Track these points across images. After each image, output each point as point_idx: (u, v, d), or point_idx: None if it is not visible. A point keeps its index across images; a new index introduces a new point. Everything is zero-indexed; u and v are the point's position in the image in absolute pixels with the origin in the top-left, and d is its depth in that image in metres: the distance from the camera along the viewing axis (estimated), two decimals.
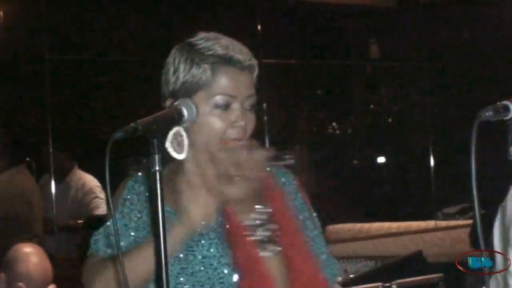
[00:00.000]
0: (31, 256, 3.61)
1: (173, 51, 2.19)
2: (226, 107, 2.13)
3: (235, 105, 2.14)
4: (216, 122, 2.12)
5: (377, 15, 10.37)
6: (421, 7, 10.14)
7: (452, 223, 7.93)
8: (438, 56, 10.25)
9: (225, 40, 2.17)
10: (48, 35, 8.21)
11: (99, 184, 6.69)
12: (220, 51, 2.13)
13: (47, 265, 3.64)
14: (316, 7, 9.62)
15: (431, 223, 8.08)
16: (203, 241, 2.11)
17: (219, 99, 2.13)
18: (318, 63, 10.36)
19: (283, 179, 2.25)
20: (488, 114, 1.43)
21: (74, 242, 6.43)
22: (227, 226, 2.09)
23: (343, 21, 10.22)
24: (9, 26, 8.77)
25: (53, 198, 6.69)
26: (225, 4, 8.92)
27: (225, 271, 2.08)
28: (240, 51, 2.15)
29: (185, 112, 2.00)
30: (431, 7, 10.16)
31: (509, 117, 1.43)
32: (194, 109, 2.03)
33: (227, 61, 2.13)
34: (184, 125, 2.02)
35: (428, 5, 10.16)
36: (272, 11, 9.11)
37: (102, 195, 6.66)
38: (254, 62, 2.18)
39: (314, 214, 2.27)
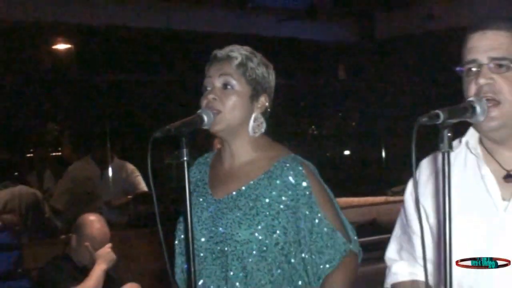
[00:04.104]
0: (94, 222, 3.62)
1: None
2: (206, 90, 2.04)
3: (208, 83, 2.04)
4: (202, 100, 2.03)
5: (345, 47, 10.45)
6: (377, 42, 10.25)
7: (399, 198, 7.88)
8: (390, 79, 10.32)
9: (229, 47, 2.09)
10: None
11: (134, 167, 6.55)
12: (213, 53, 2.08)
13: (106, 229, 3.65)
14: (298, 42, 9.64)
15: (383, 198, 8.06)
16: None
17: (204, 87, 2.05)
18: (301, 83, 10.40)
19: (292, 180, 1.97)
20: (424, 120, 1.43)
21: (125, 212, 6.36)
22: None
23: (320, 52, 10.25)
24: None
25: (110, 183, 6.59)
26: None
27: None
28: (224, 49, 2.06)
29: (205, 118, 1.95)
30: (385, 42, 10.25)
31: (440, 122, 1.43)
32: (211, 115, 1.97)
33: (212, 57, 2.07)
34: (205, 127, 1.98)
35: (383, 41, 10.26)
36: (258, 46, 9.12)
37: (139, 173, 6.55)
38: (234, 54, 2.04)
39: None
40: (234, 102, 2.01)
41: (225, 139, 2.06)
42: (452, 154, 1.68)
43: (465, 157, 1.69)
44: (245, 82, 2.03)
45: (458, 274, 1.56)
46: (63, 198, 6.14)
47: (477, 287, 1.57)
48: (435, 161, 1.73)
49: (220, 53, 2.05)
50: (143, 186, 6.29)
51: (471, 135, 1.69)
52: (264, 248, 1.92)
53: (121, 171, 6.53)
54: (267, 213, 1.94)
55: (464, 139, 1.70)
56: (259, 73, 2.05)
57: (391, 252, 1.89)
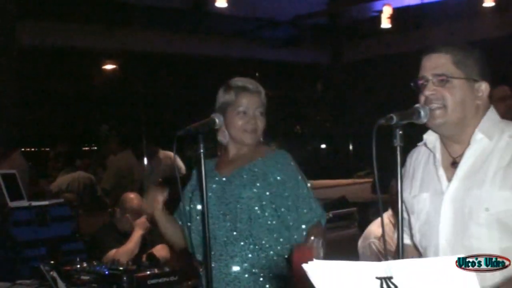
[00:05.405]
0: (133, 199, 3.59)
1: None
2: (244, 113, 2.07)
3: (249, 112, 2.08)
4: (239, 121, 2.07)
5: (321, 68, 10.49)
6: (344, 64, 10.32)
7: (362, 180, 7.90)
8: (355, 91, 10.33)
9: (243, 79, 2.12)
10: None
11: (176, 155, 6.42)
12: (239, 83, 2.09)
13: (142, 204, 3.61)
14: (286, 64, 9.63)
15: (350, 180, 8.07)
16: None
17: (240, 109, 2.07)
18: (288, 94, 10.42)
19: (282, 162, 2.09)
20: (382, 121, 1.44)
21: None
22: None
23: (302, 71, 10.30)
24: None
25: (145, 169, 6.51)
26: None
27: None
28: (251, 83, 2.10)
29: (217, 120, 1.95)
30: (350, 64, 10.32)
31: (393, 123, 1.43)
32: (222, 119, 1.98)
33: (244, 89, 2.09)
34: (216, 127, 1.98)
35: (349, 63, 10.32)
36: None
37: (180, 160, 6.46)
38: (260, 89, 2.11)
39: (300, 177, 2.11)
40: (261, 124, 2.11)
41: (250, 142, 2.12)
42: (422, 149, 1.73)
43: (429, 151, 1.73)
44: (264, 111, 2.14)
45: (419, 237, 1.64)
46: (110, 181, 6.11)
47: (430, 246, 1.60)
48: (414, 155, 1.75)
49: (252, 87, 2.10)
50: (184, 170, 6.24)
51: (431, 133, 1.70)
52: (263, 203, 2.01)
53: (166, 159, 6.49)
54: (264, 179, 2.04)
55: (425, 137, 1.72)
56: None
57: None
